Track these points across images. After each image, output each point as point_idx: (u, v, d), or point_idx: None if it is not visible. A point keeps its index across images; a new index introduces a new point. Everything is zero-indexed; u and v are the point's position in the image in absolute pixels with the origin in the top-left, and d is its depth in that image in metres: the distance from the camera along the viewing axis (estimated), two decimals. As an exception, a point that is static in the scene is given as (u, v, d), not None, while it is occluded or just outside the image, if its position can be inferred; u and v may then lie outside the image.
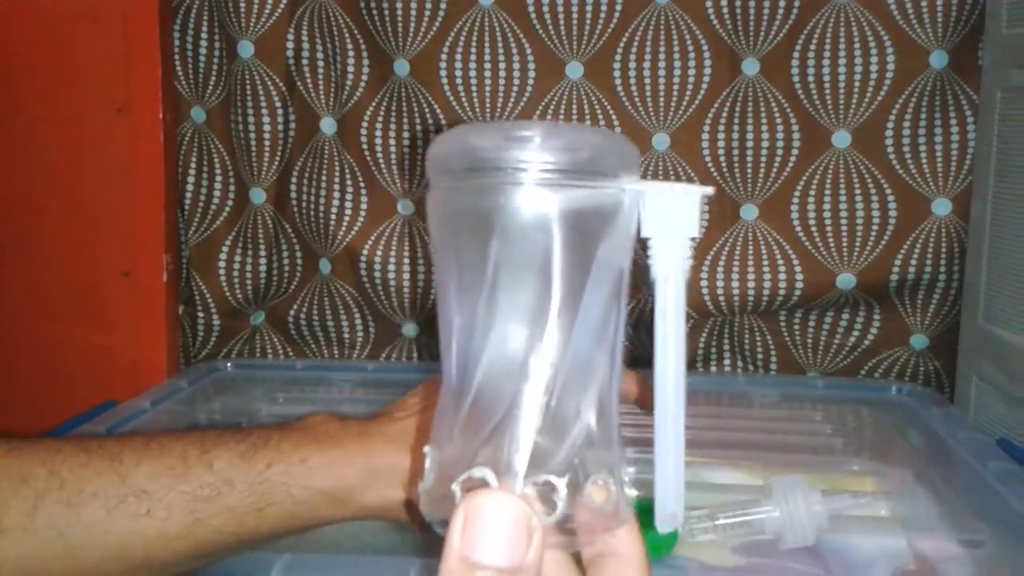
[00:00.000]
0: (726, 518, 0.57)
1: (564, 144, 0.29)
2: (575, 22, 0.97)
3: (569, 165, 0.29)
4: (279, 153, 1.03)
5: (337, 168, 1.02)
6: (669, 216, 0.30)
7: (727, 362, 1.04)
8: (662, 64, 0.97)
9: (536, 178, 0.29)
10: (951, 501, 0.65)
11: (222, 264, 1.06)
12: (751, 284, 0.98)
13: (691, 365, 1.04)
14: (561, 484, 0.29)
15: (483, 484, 0.28)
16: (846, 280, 0.96)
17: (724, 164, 0.98)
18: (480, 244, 0.30)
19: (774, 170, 0.97)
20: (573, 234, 0.29)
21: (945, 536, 0.60)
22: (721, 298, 0.98)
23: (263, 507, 0.48)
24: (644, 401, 0.58)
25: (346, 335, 1.08)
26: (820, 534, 0.57)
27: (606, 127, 0.98)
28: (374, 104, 1.01)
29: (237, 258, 1.06)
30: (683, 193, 0.30)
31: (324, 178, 1.03)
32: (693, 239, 0.31)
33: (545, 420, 0.29)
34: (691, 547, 0.58)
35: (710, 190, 0.31)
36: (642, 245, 0.31)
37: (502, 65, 0.98)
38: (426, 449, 0.32)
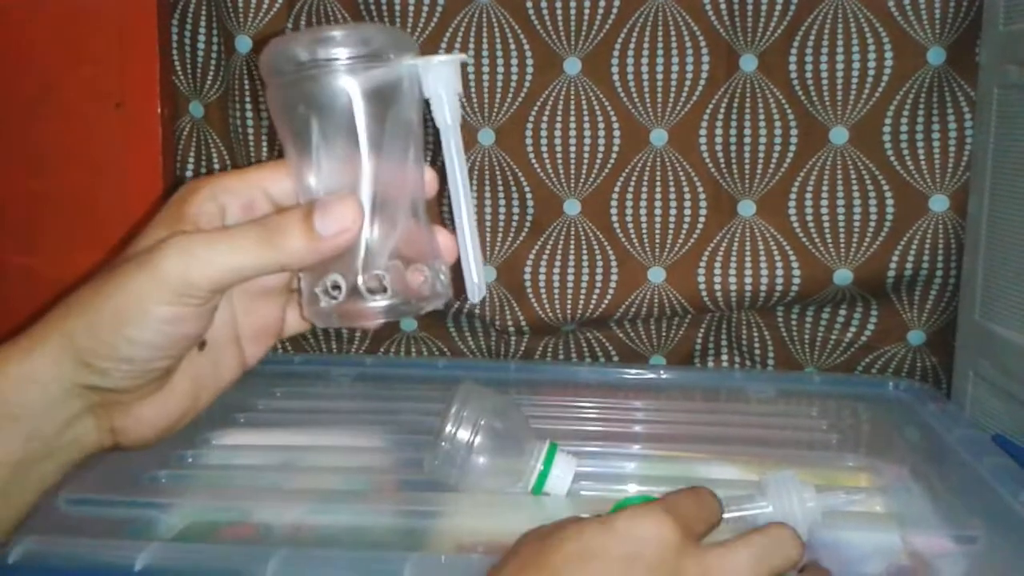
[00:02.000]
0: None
1: (356, 39, 0.40)
2: (573, 18, 0.97)
3: (362, 54, 0.40)
4: (278, 149, 1.03)
5: (335, 163, 1.02)
6: (438, 80, 0.42)
7: (724, 358, 1.04)
8: (660, 60, 0.97)
9: (340, 66, 0.39)
10: (946, 497, 0.66)
11: (220, 259, 1.06)
12: (748, 280, 0.98)
13: (688, 360, 1.04)
14: (387, 271, 0.40)
15: (336, 285, 0.40)
16: (843, 276, 0.96)
17: (722, 160, 0.98)
18: (308, 119, 0.40)
19: (772, 166, 0.97)
20: (372, 102, 0.40)
21: (939, 532, 0.60)
22: (719, 294, 0.99)
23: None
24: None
25: (344, 329, 1.08)
26: (814, 530, 0.57)
27: (604, 123, 0.98)
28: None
29: (235, 253, 1.06)
30: (444, 61, 0.42)
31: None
32: (460, 94, 0.43)
33: (370, 236, 0.41)
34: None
35: (464, 56, 0.44)
36: (427, 105, 0.42)
37: (500, 61, 0.98)
38: (300, 274, 0.42)
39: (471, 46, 0.98)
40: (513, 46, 0.98)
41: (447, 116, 0.43)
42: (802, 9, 0.94)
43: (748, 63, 0.96)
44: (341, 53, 0.39)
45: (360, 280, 0.41)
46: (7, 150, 1.01)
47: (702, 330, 1.03)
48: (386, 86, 0.41)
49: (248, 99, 1.02)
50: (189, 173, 1.04)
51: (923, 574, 0.56)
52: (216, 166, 1.05)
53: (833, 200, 0.96)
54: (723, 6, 0.95)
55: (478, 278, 0.43)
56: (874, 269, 0.96)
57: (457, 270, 0.44)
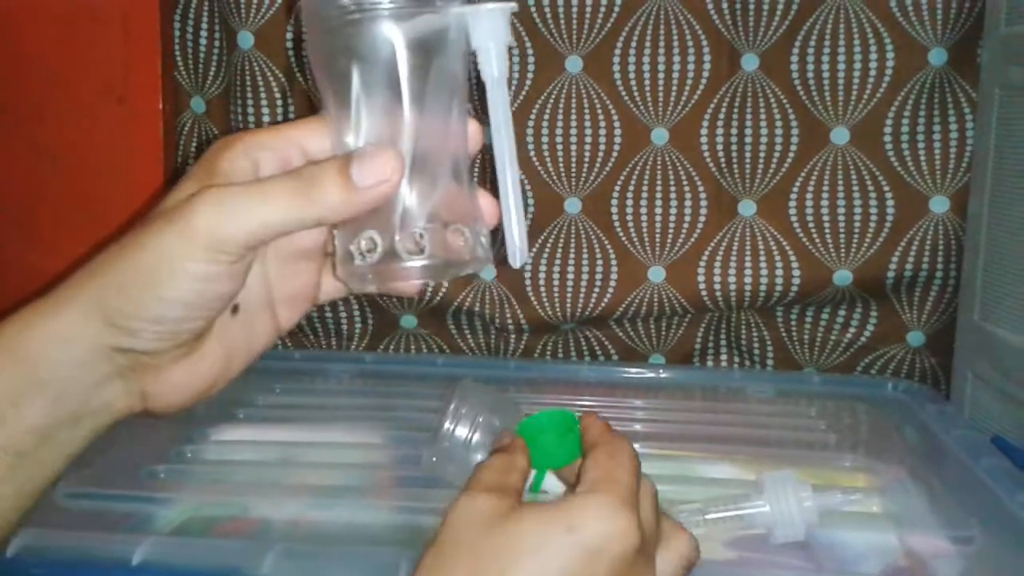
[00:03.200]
0: (717, 512, 0.58)
1: None
2: (575, 16, 0.97)
3: (412, 3, 0.38)
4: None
5: (336, 160, 1.02)
6: (487, 30, 0.39)
7: (724, 357, 1.04)
8: (661, 59, 0.97)
9: (383, 11, 0.37)
10: (943, 498, 0.66)
11: (221, 255, 1.06)
12: (748, 280, 0.98)
13: (688, 360, 1.04)
14: (425, 231, 0.39)
15: (372, 243, 0.39)
16: (843, 276, 0.96)
17: (723, 159, 0.98)
18: (347, 69, 0.38)
19: (772, 166, 0.97)
20: (416, 52, 0.38)
21: (936, 532, 0.60)
22: (718, 293, 0.99)
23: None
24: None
25: (344, 326, 1.08)
26: (810, 529, 0.57)
27: (605, 122, 0.98)
28: (373, 96, 1.01)
29: (236, 249, 1.06)
30: (494, 9, 0.39)
31: (323, 170, 1.03)
32: (509, 45, 0.40)
33: (408, 193, 0.39)
34: (683, 541, 0.58)
35: (514, 5, 0.40)
36: (474, 57, 0.40)
37: (502, 58, 0.98)
38: (335, 232, 0.40)
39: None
40: (515, 44, 0.98)
41: (494, 69, 0.40)
42: (804, 9, 0.94)
43: (750, 63, 0.96)
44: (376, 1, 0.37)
45: (397, 238, 0.39)
46: (10, 144, 1.01)
47: (702, 329, 1.03)
48: (432, 35, 0.39)
49: (249, 95, 1.02)
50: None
51: (919, 574, 0.56)
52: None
53: (833, 200, 0.96)
54: (725, 5, 0.95)
55: (520, 242, 0.41)
56: (874, 270, 0.96)
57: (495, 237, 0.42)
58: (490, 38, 0.40)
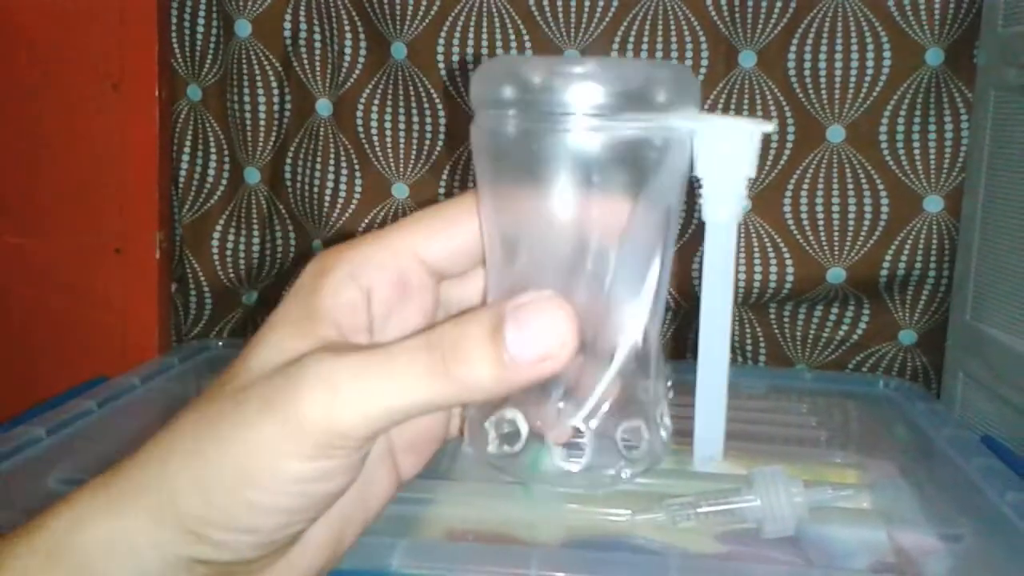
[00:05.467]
0: (708, 506, 0.58)
1: (613, 77, 0.28)
2: (573, 9, 0.97)
3: (615, 104, 0.28)
4: (274, 133, 1.03)
5: (332, 150, 1.02)
6: (723, 155, 0.28)
7: (716, 353, 1.04)
8: (659, 54, 0.97)
9: (581, 121, 0.28)
10: (933, 496, 0.66)
11: (215, 243, 1.06)
12: (742, 276, 0.98)
13: (681, 355, 1.04)
14: (589, 428, 0.29)
15: (513, 428, 0.29)
16: (836, 274, 0.97)
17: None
18: (521, 181, 0.29)
19: (768, 163, 0.97)
20: (617, 174, 0.28)
21: (925, 530, 0.61)
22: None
23: None
24: None
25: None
26: (800, 524, 0.57)
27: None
28: (370, 87, 1.01)
29: (231, 237, 1.06)
30: (738, 130, 0.28)
31: (319, 160, 1.03)
32: (749, 180, 0.29)
33: (580, 365, 0.29)
34: (673, 534, 0.58)
35: (771, 127, 0.29)
36: (695, 184, 0.30)
37: (500, 51, 0.98)
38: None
39: (471, 35, 0.98)
40: (513, 38, 0.98)
41: (720, 211, 0.29)
42: (802, 7, 0.94)
43: (747, 59, 0.96)
44: (583, 99, 0.27)
45: (550, 434, 0.29)
46: (4, 130, 1.01)
47: (695, 325, 1.03)
48: (643, 152, 0.28)
49: (246, 84, 1.01)
50: (186, 155, 1.04)
51: (908, 571, 0.57)
52: (212, 150, 1.04)
53: (828, 198, 0.97)
54: (723, 2, 0.95)
55: (716, 440, 0.32)
56: (867, 268, 0.96)
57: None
58: (723, 165, 0.29)
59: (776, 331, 1.02)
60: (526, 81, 0.28)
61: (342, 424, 0.27)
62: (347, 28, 1.00)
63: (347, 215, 1.03)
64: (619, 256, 0.29)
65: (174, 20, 1.02)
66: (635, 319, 0.29)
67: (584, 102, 0.27)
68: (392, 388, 0.27)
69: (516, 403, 0.30)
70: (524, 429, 0.29)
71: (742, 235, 0.98)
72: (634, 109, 0.28)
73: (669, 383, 0.32)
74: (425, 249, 0.31)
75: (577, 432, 0.29)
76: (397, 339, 0.29)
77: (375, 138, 1.02)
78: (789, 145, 0.96)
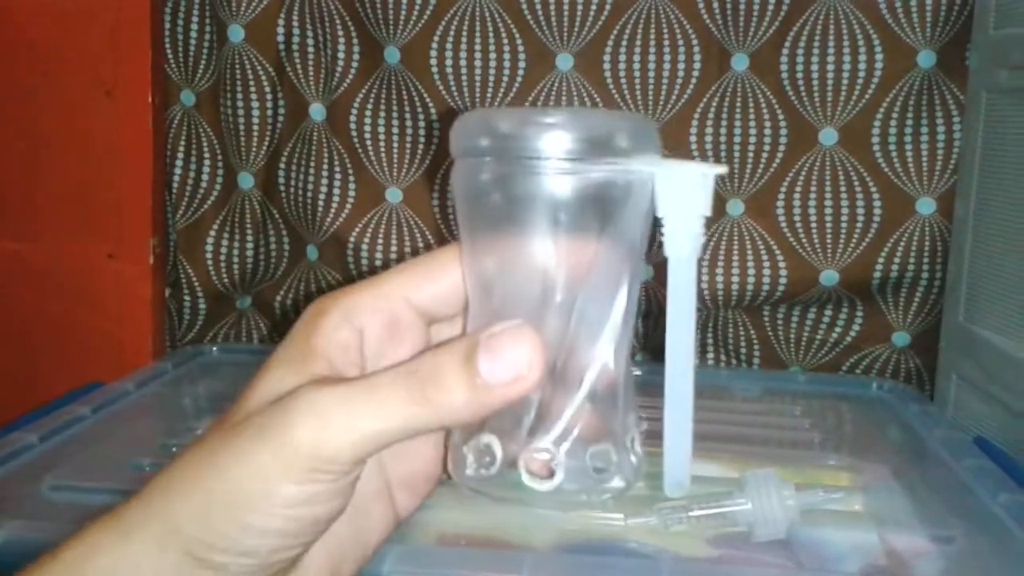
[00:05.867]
0: (700, 510, 0.58)
1: (579, 127, 0.31)
2: (566, 13, 0.97)
3: (583, 150, 0.30)
4: (268, 138, 1.04)
5: (326, 155, 1.02)
6: (680, 195, 0.31)
7: (710, 356, 1.04)
8: (652, 57, 0.97)
9: (547, 162, 0.30)
10: (925, 497, 0.66)
11: (209, 248, 1.06)
12: (735, 279, 0.98)
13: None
14: (559, 450, 0.31)
15: (489, 452, 0.32)
16: (830, 277, 0.97)
17: (711, 159, 0.98)
18: (496, 223, 0.32)
19: (761, 166, 0.97)
20: (584, 213, 0.31)
21: (917, 532, 0.61)
22: (706, 292, 0.99)
23: None
24: None
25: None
26: (792, 527, 0.57)
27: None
28: (364, 91, 1.01)
29: (224, 242, 1.06)
30: (693, 172, 0.31)
31: (312, 164, 1.03)
32: (705, 217, 0.32)
33: (550, 391, 0.31)
34: (666, 538, 0.59)
35: (722, 169, 0.32)
36: (657, 224, 0.32)
37: (492, 55, 0.98)
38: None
39: (464, 39, 0.98)
40: (506, 40, 0.98)
41: (680, 248, 0.32)
42: (794, 10, 0.94)
43: (739, 62, 0.96)
44: (553, 145, 0.30)
45: (522, 456, 0.31)
46: (-3, 135, 1.01)
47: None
48: (604, 193, 0.31)
49: (239, 89, 1.01)
50: (179, 160, 1.04)
51: (900, 573, 0.57)
52: (206, 155, 1.05)
53: (821, 201, 0.97)
54: (715, 5, 0.95)
55: (683, 469, 0.33)
56: (860, 270, 0.97)
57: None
58: (681, 206, 0.31)
59: (770, 333, 1.02)
60: (500, 130, 0.31)
61: (330, 448, 0.29)
62: (340, 33, 1.00)
63: (341, 220, 1.03)
64: (586, 290, 0.31)
65: (167, 26, 1.02)
66: (602, 348, 0.32)
67: (554, 148, 0.30)
68: (375, 413, 0.30)
69: (492, 429, 0.32)
70: (499, 453, 0.31)
71: (735, 237, 0.98)
72: (599, 154, 0.31)
73: (642, 417, 0.34)
74: (415, 293, 0.34)
75: (548, 455, 0.31)
76: (381, 369, 0.31)
77: (368, 143, 1.02)
78: (782, 148, 0.97)
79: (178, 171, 1.04)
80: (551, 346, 0.31)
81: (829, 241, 0.97)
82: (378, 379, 0.31)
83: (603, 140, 0.31)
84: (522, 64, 0.98)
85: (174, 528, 0.30)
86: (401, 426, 0.30)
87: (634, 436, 0.33)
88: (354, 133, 1.02)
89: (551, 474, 0.31)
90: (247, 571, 0.31)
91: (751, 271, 0.98)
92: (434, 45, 0.98)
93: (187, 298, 1.06)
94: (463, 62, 0.99)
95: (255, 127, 1.03)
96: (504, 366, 0.29)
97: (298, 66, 1.02)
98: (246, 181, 1.05)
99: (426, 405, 0.30)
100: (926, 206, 0.95)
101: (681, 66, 0.97)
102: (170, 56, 1.03)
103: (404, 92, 1.00)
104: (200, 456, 0.31)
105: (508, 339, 0.30)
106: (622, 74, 0.98)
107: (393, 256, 1.02)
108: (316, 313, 0.33)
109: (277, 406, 0.30)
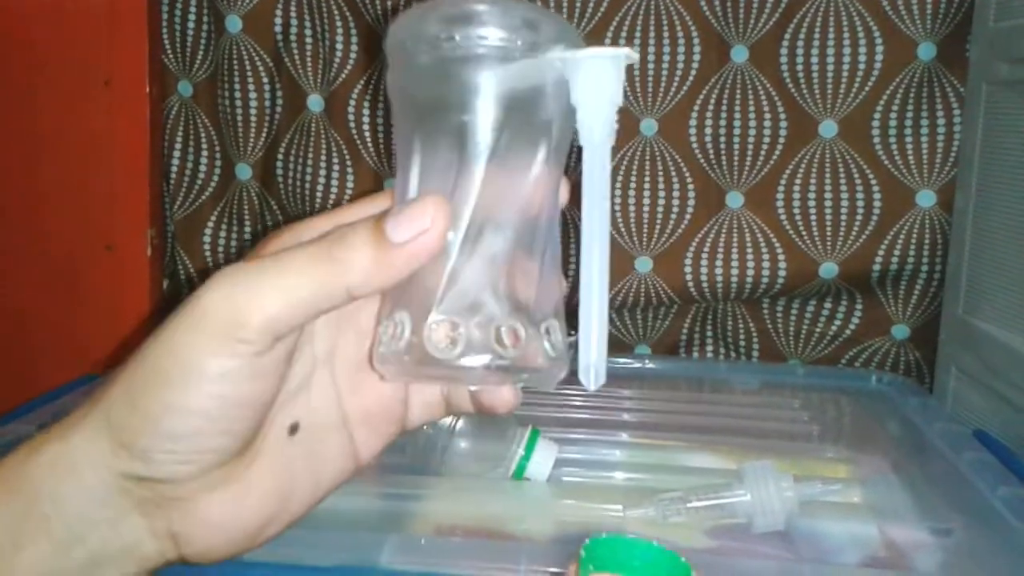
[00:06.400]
0: (699, 501, 0.58)
1: (499, 22, 0.32)
2: (565, 5, 0.97)
3: (494, 41, 0.32)
4: (265, 129, 1.03)
5: (324, 146, 1.02)
6: (591, 81, 0.32)
7: (709, 348, 1.04)
8: (651, 50, 0.97)
9: (462, 53, 0.32)
10: (924, 490, 0.66)
11: (207, 239, 1.06)
12: (735, 271, 0.98)
13: (674, 351, 1.04)
14: (465, 319, 0.31)
15: (400, 326, 0.32)
16: (829, 269, 0.97)
17: (711, 151, 0.98)
18: (418, 113, 0.33)
19: (760, 158, 0.97)
20: (494, 101, 0.32)
21: (916, 524, 0.61)
22: (705, 285, 0.99)
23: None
24: None
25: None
26: (790, 519, 0.57)
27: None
28: (362, 83, 1.01)
29: (222, 234, 1.06)
30: (603, 57, 0.32)
31: (310, 155, 1.02)
32: (617, 104, 0.33)
33: (462, 268, 0.32)
34: (664, 529, 0.58)
35: (632, 53, 0.32)
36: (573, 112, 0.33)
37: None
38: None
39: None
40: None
41: (593, 132, 0.32)
42: (794, 2, 0.94)
43: (739, 54, 0.96)
44: (466, 36, 0.31)
45: (429, 319, 0.31)
46: (-6, 126, 1.00)
47: (688, 321, 1.03)
48: (517, 83, 0.32)
49: (237, 80, 1.01)
50: (177, 151, 1.04)
51: (899, 565, 0.57)
52: (203, 146, 1.04)
53: (821, 193, 0.96)
54: (716, -4, 0.95)
55: (597, 356, 0.32)
56: (860, 263, 0.96)
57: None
58: (591, 92, 0.32)
59: (769, 326, 1.01)
60: (419, 20, 0.33)
61: (241, 315, 0.29)
62: (338, 23, 1.00)
63: (339, 211, 1.02)
64: (498, 166, 0.32)
65: (165, 16, 1.01)
66: (520, 223, 0.33)
67: (479, 34, 0.31)
68: (285, 278, 0.30)
69: (405, 306, 0.32)
70: (408, 325, 0.32)
71: (735, 230, 0.98)
72: (516, 44, 0.32)
73: (572, 333, 0.34)
74: (362, 215, 0.34)
75: (448, 324, 0.31)
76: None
77: (367, 134, 1.01)
78: (781, 140, 0.96)
79: (176, 162, 1.04)
80: (462, 219, 0.31)
81: (829, 234, 0.97)
82: (291, 250, 0.31)
83: (519, 30, 0.32)
84: (521, 55, 0.98)
85: (104, 417, 0.30)
86: (312, 288, 0.30)
87: (552, 326, 0.33)
88: (352, 124, 1.01)
89: (454, 344, 0.31)
90: (175, 460, 0.30)
91: (750, 263, 0.98)
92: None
93: (185, 289, 1.06)
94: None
95: (253, 118, 1.02)
96: (408, 222, 0.30)
97: (296, 57, 1.01)
98: (244, 172, 1.04)
99: (333, 264, 0.30)
100: (926, 199, 0.94)
101: (681, 58, 0.96)
102: (168, 46, 1.02)
103: (403, 83, 0.99)
104: (141, 347, 0.32)
105: (414, 203, 0.30)
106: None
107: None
108: (273, 234, 0.35)
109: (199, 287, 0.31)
